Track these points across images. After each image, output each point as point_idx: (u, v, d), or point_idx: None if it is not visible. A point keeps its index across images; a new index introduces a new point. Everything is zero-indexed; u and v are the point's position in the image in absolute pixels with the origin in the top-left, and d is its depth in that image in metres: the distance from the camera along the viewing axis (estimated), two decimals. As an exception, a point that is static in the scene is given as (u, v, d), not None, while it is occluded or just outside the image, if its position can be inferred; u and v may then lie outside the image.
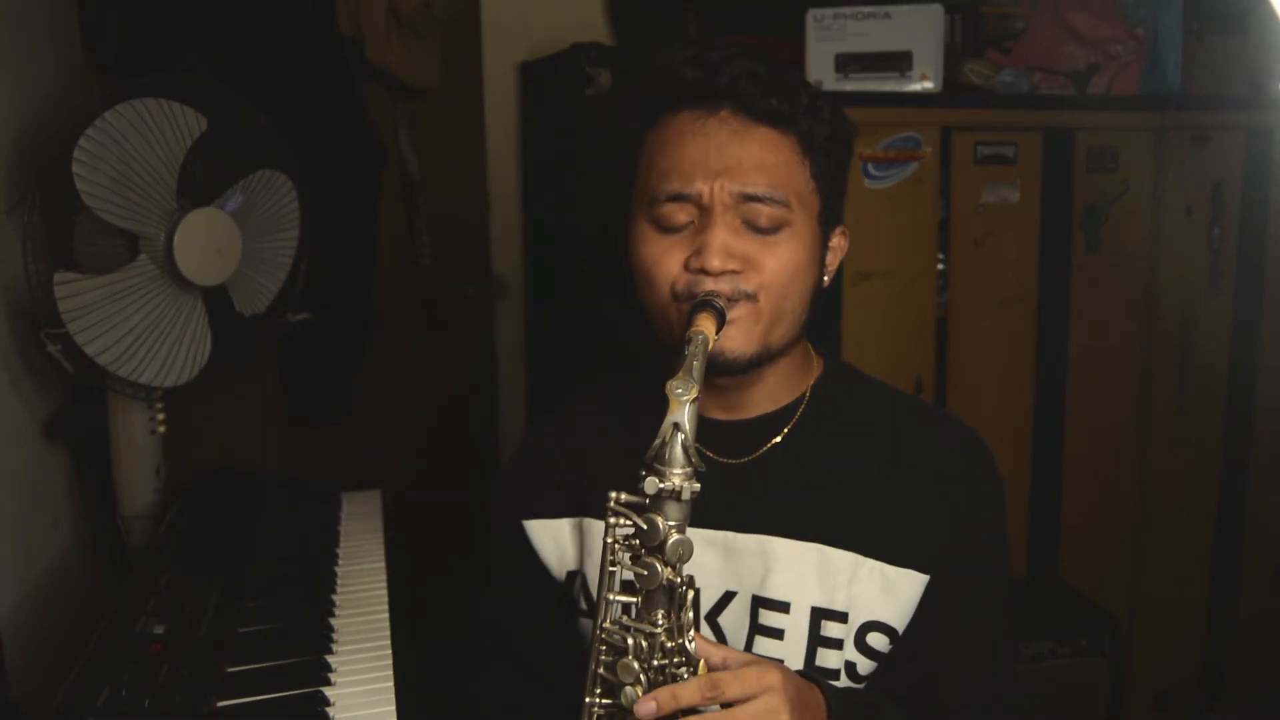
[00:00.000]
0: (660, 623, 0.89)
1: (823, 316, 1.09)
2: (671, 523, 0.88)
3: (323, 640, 1.26)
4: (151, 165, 1.48)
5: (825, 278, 1.10)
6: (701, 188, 1.00)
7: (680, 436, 0.87)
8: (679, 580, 0.89)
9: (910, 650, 1.07)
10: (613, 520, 0.91)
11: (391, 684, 1.17)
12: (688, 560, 0.88)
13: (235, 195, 1.62)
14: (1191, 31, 2.28)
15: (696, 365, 0.90)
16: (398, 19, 2.43)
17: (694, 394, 0.88)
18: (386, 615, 1.34)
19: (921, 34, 2.08)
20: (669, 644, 0.89)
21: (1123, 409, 2.26)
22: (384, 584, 1.44)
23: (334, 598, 1.39)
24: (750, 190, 1.00)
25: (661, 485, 0.87)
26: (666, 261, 1.02)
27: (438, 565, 2.36)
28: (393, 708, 1.12)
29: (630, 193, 1.08)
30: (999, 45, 2.27)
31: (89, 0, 2.00)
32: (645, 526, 0.88)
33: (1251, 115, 2.25)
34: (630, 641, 0.89)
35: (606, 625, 0.91)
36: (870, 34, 2.07)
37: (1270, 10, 1.27)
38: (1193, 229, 2.23)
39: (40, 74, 1.69)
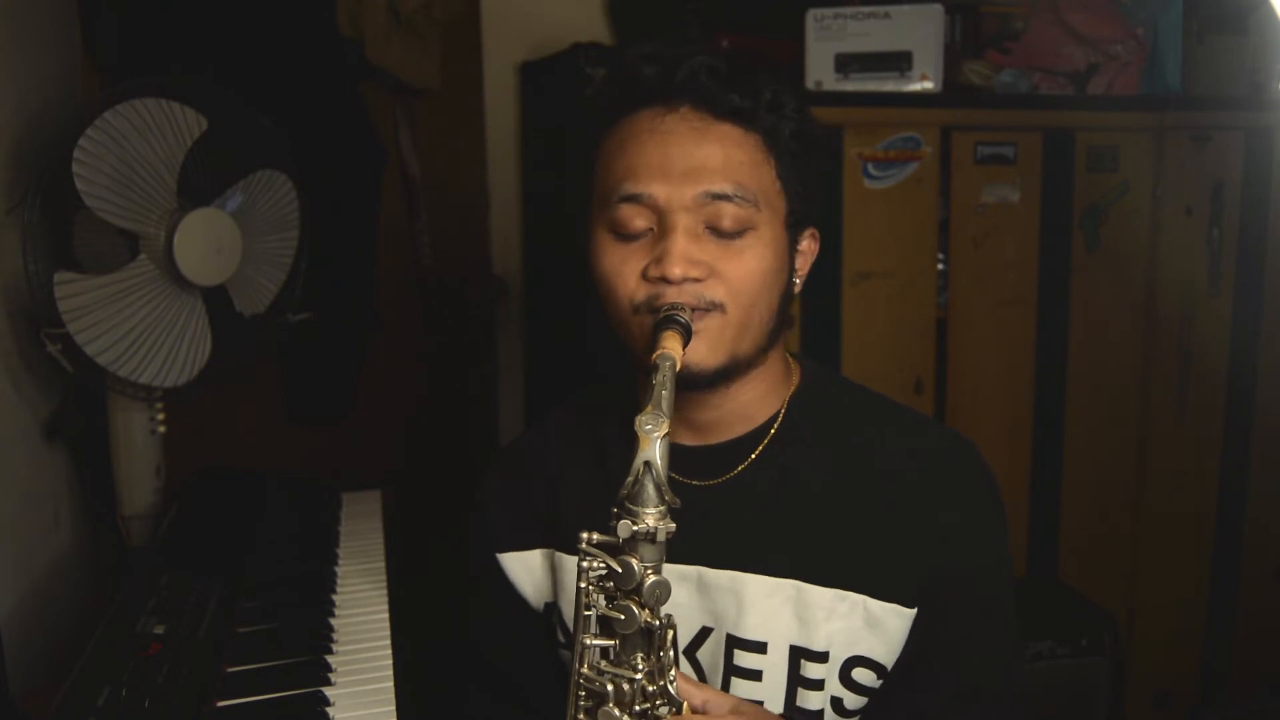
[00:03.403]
0: (640, 666, 0.86)
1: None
2: (647, 564, 0.84)
3: (323, 640, 1.26)
4: (151, 165, 1.48)
5: (796, 281, 1.04)
6: (658, 191, 0.94)
7: (652, 475, 0.83)
8: (657, 622, 0.85)
9: (902, 683, 1.01)
10: (585, 563, 0.86)
11: (391, 684, 1.17)
12: (665, 601, 0.85)
13: (235, 195, 1.62)
14: (1191, 31, 2.28)
15: (665, 395, 0.85)
16: (398, 19, 2.42)
17: (664, 429, 0.83)
18: (386, 615, 1.34)
19: (921, 34, 2.08)
20: (650, 687, 0.86)
21: (1122, 409, 2.26)
22: (384, 584, 1.44)
23: (334, 598, 1.39)
24: (716, 189, 0.94)
25: (635, 528, 0.83)
26: (625, 271, 0.97)
27: (438, 565, 2.36)
28: (393, 708, 1.12)
29: (589, 199, 1.02)
30: (999, 45, 2.27)
31: (89, 0, 2.00)
32: (620, 569, 0.84)
33: (1251, 115, 2.25)
34: (611, 688, 0.86)
35: (584, 671, 0.87)
36: (870, 34, 2.07)
37: (1270, 10, 1.28)
38: (1192, 229, 2.23)
39: (40, 74, 1.69)
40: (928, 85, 2.09)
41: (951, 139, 2.10)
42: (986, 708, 1.03)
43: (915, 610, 1.00)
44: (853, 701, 1.03)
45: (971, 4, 2.29)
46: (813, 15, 2.08)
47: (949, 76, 2.13)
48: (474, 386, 2.71)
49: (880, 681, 1.02)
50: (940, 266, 2.13)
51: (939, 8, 2.09)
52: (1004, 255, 2.16)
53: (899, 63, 2.08)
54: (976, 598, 1.02)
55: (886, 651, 1.01)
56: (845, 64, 2.08)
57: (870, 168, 2.04)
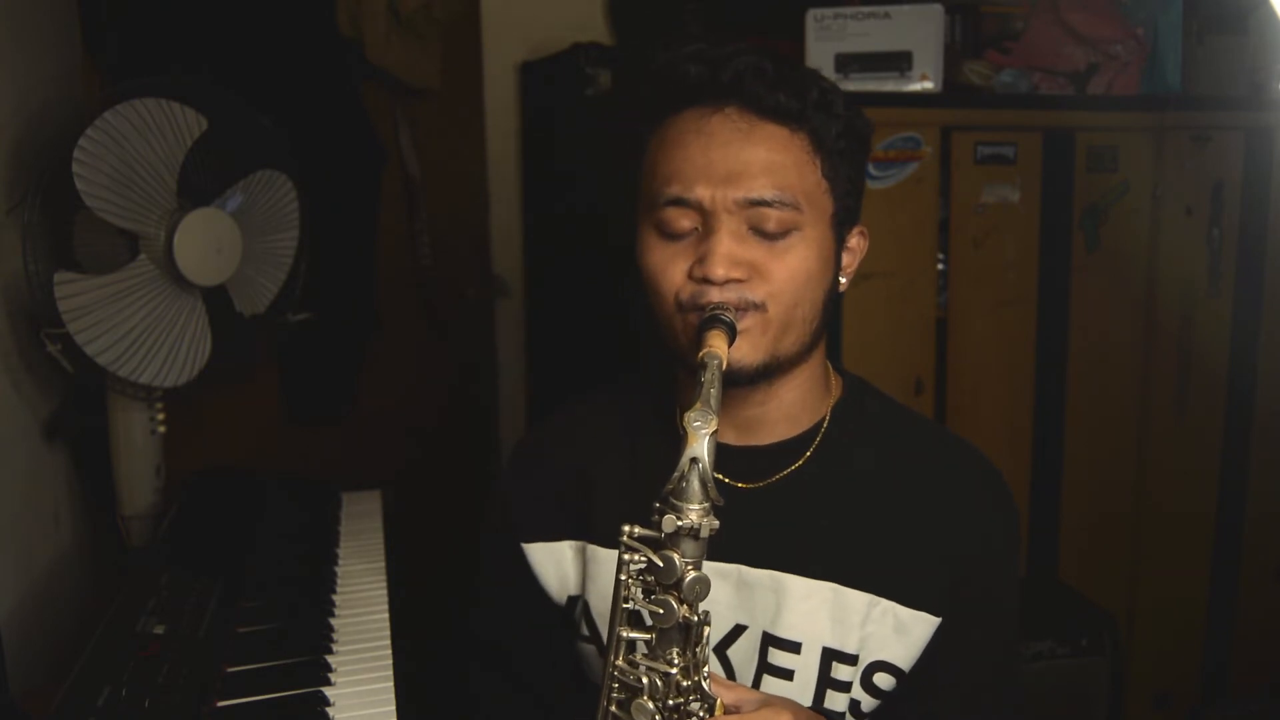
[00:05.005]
0: (675, 661, 0.87)
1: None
2: (688, 560, 0.85)
3: (323, 640, 1.26)
4: (151, 165, 1.48)
5: (842, 279, 1.05)
6: (703, 193, 0.95)
7: (698, 471, 0.84)
8: (695, 618, 0.86)
9: (916, 688, 1.04)
10: (626, 556, 0.87)
11: (391, 684, 1.17)
12: (704, 598, 0.86)
13: (235, 195, 1.62)
14: (1191, 31, 2.28)
15: (714, 394, 0.86)
16: (398, 19, 2.43)
17: (713, 426, 0.84)
18: (386, 615, 1.34)
19: (921, 34, 2.08)
20: (684, 683, 0.87)
21: (1122, 409, 2.26)
22: (384, 584, 1.44)
23: (334, 598, 1.39)
24: (756, 195, 0.94)
25: (680, 523, 0.84)
26: (670, 270, 0.98)
27: (438, 565, 2.36)
28: (393, 708, 1.12)
29: (636, 197, 1.03)
30: (999, 45, 2.27)
31: (89, 0, 2.00)
32: (661, 564, 0.85)
33: (1251, 115, 2.25)
34: (645, 681, 0.87)
35: (619, 664, 0.88)
36: (870, 34, 2.07)
37: (1270, 10, 1.28)
38: (1192, 229, 2.23)
39: (40, 74, 1.69)
40: (928, 85, 2.09)
41: (951, 139, 2.10)
42: (996, 712, 1.06)
43: (940, 619, 1.03)
44: (867, 704, 1.05)
45: (971, 4, 2.29)
46: (813, 15, 2.08)
47: (949, 76, 2.13)
48: (474, 387, 2.71)
49: (894, 686, 1.04)
50: (940, 266, 2.13)
51: (939, 8, 2.09)
52: (1004, 255, 2.16)
53: (899, 63, 2.08)
54: (993, 609, 1.06)
55: (907, 657, 1.03)
56: (845, 64, 2.08)
57: (870, 168, 2.04)
